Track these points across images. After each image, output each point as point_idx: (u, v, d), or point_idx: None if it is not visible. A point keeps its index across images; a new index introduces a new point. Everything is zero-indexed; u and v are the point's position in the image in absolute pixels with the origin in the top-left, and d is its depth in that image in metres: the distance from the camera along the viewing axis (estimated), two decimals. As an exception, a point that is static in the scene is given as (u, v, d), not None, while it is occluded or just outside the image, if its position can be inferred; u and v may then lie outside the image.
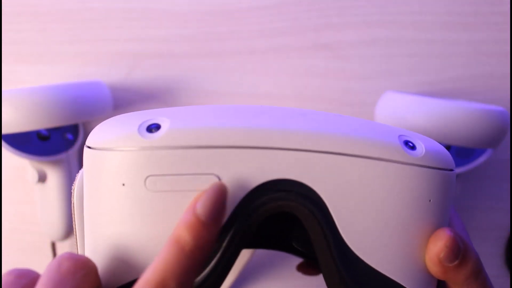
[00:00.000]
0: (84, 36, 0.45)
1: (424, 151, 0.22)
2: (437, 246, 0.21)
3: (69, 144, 0.44)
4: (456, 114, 0.36)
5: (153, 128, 0.21)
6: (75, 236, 0.24)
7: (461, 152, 0.42)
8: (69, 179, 0.44)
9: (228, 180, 0.20)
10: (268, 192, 0.20)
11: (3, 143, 0.41)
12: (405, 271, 0.21)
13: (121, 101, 0.46)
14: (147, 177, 0.20)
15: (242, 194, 0.20)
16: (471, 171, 0.43)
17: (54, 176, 0.43)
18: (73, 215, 0.24)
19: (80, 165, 0.46)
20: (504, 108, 0.40)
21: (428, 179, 0.21)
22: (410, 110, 0.37)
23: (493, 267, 0.45)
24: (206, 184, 0.20)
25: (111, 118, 0.23)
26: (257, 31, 0.45)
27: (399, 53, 0.44)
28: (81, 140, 0.45)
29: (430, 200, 0.21)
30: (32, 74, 0.46)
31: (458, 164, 0.41)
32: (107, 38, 0.45)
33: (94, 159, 0.21)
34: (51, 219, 0.44)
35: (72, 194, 0.23)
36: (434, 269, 0.21)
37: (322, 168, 0.20)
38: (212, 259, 0.20)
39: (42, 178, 0.43)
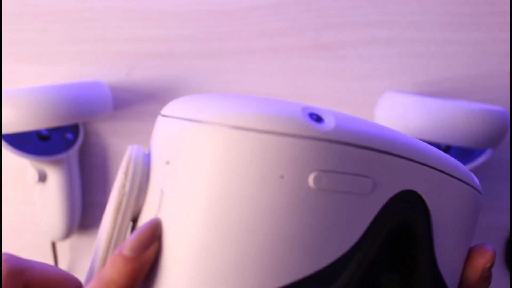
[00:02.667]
0: (84, 36, 0.45)
1: None
2: (485, 258, 0.23)
3: (69, 144, 0.44)
4: (456, 114, 0.36)
5: (315, 118, 0.18)
6: (109, 234, 0.20)
7: (461, 152, 0.42)
8: (69, 179, 0.44)
9: (378, 185, 0.19)
10: (400, 202, 0.19)
11: (3, 143, 0.41)
12: (456, 283, 0.23)
13: (121, 101, 0.46)
14: (313, 171, 0.17)
15: (382, 202, 0.19)
16: (471, 171, 0.43)
17: (54, 176, 0.43)
18: (119, 207, 0.20)
19: (80, 165, 0.46)
20: (504, 108, 0.40)
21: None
22: (410, 110, 0.37)
23: (494, 267, 0.45)
24: (364, 188, 0.18)
25: (217, 93, 0.20)
26: (257, 31, 0.45)
27: (399, 53, 0.44)
28: (81, 140, 0.45)
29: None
30: (32, 74, 0.46)
31: (458, 164, 0.41)
32: (107, 38, 0.45)
33: (233, 142, 0.17)
34: (51, 219, 0.44)
35: (125, 180, 0.20)
36: (473, 279, 0.23)
37: (435, 184, 0.20)
38: (342, 271, 0.18)
39: (42, 178, 0.43)
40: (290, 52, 0.45)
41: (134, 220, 0.21)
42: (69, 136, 0.44)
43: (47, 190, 0.43)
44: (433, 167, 0.20)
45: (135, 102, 0.46)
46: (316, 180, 0.17)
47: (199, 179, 0.18)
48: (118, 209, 0.20)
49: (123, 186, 0.20)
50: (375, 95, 0.44)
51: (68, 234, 0.44)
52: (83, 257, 0.47)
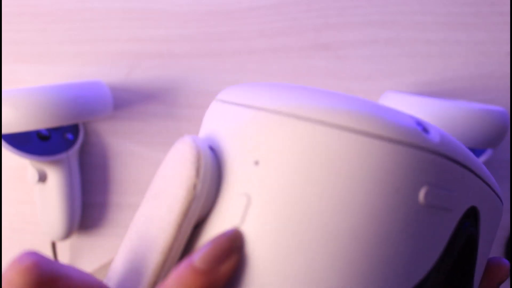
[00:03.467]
0: (84, 36, 0.45)
1: None
2: (501, 273, 0.22)
3: (69, 144, 0.44)
4: (456, 114, 0.36)
5: (422, 128, 0.17)
6: (170, 244, 0.17)
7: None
8: (69, 179, 0.44)
9: (459, 200, 0.17)
10: (467, 218, 0.18)
11: (3, 143, 0.41)
12: None
13: (121, 101, 0.46)
14: (424, 185, 0.16)
15: (458, 218, 0.18)
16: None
17: (54, 176, 0.43)
18: (186, 212, 0.16)
19: (80, 165, 0.46)
20: (504, 108, 0.40)
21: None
22: (410, 110, 0.37)
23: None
24: (452, 204, 0.17)
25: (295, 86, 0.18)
26: (257, 31, 0.45)
27: (399, 53, 0.44)
28: (81, 140, 0.45)
29: None
30: (32, 74, 0.46)
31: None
32: (107, 38, 0.45)
33: (354, 147, 0.15)
34: (51, 219, 0.44)
35: (196, 180, 0.16)
36: None
37: (485, 199, 0.19)
38: None
39: (42, 178, 0.43)
40: (290, 52, 0.45)
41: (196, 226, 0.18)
42: (69, 136, 0.44)
43: (47, 190, 0.43)
44: (487, 183, 0.19)
45: (135, 102, 0.46)
46: (426, 195, 0.16)
47: (313, 187, 0.15)
48: (185, 214, 0.16)
49: (194, 186, 0.16)
50: (375, 95, 0.44)
51: (68, 234, 0.44)
52: (83, 257, 0.47)
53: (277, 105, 0.16)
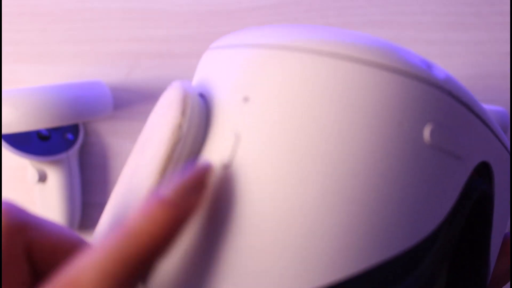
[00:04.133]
0: (84, 36, 0.45)
1: None
2: None
3: (69, 144, 0.44)
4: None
5: (427, 64, 0.15)
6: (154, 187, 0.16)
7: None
8: (69, 179, 0.44)
9: (469, 150, 0.16)
10: (479, 173, 0.17)
11: (3, 143, 0.41)
12: (491, 270, 0.20)
13: (121, 101, 0.46)
14: (430, 122, 0.15)
15: (469, 170, 0.16)
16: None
17: (54, 176, 0.43)
18: (171, 154, 0.15)
19: (80, 165, 0.46)
20: (504, 108, 0.40)
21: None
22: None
23: (493, 267, 0.45)
24: (462, 150, 0.16)
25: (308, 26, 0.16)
26: (257, 31, 0.45)
27: (399, 53, 0.44)
28: (81, 140, 0.45)
29: None
30: (32, 74, 0.46)
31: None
32: (107, 38, 0.45)
33: (352, 76, 0.14)
34: (51, 219, 0.44)
35: (182, 119, 0.15)
36: (504, 267, 0.22)
37: (499, 159, 0.18)
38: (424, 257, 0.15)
39: (42, 178, 0.43)
40: (290, 52, 0.45)
41: None
42: (69, 136, 0.44)
43: (47, 190, 0.43)
44: (501, 141, 0.18)
45: (135, 102, 0.46)
46: (432, 133, 0.15)
47: (300, 122, 0.14)
48: (169, 156, 0.15)
49: (180, 126, 0.15)
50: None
51: (68, 234, 0.44)
52: (83, 257, 0.47)
53: (264, 40, 0.15)
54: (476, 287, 0.18)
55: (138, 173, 0.16)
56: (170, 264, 0.16)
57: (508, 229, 0.22)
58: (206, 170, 0.15)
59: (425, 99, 0.14)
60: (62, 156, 0.43)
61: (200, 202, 0.14)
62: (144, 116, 0.46)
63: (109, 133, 0.46)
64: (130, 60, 0.45)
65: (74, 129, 0.45)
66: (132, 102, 0.46)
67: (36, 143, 0.42)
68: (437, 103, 0.15)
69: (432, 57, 0.44)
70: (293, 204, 0.14)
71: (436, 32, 0.44)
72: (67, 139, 0.44)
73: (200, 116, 0.15)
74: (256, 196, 0.14)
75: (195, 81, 0.19)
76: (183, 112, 0.15)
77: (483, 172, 0.17)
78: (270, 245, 0.14)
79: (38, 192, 0.44)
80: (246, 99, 0.15)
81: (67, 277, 0.13)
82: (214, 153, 0.16)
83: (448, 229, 0.15)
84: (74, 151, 0.44)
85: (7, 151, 0.42)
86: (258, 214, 0.14)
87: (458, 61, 0.44)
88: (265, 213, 0.14)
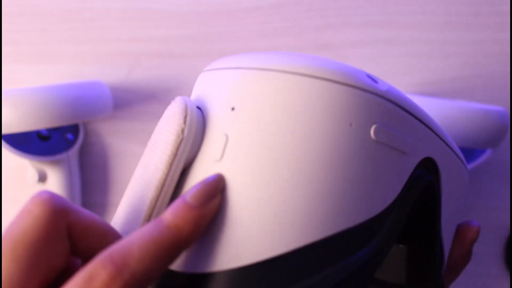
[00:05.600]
0: (84, 36, 0.45)
1: None
2: (472, 232, 0.26)
3: (69, 144, 0.44)
4: (456, 114, 0.36)
5: (372, 79, 0.20)
6: (162, 181, 0.20)
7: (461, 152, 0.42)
8: (69, 179, 0.44)
9: (413, 147, 0.20)
10: (424, 167, 0.21)
11: (3, 143, 0.41)
12: (447, 256, 0.25)
13: (121, 101, 0.46)
14: (374, 123, 0.19)
15: (415, 163, 0.20)
16: (471, 171, 0.43)
17: (54, 176, 0.43)
18: (176, 152, 0.19)
19: (80, 165, 0.46)
20: (504, 108, 0.40)
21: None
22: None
23: (493, 267, 0.45)
24: (405, 147, 0.20)
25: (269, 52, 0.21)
26: (257, 31, 0.45)
27: (399, 53, 0.44)
28: (81, 140, 0.45)
29: None
30: (32, 74, 0.46)
31: (458, 164, 0.41)
32: (107, 38, 0.45)
33: (309, 89, 0.19)
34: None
35: (184, 125, 0.19)
36: (460, 252, 0.26)
37: (445, 157, 0.22)
38: (373, 236, 0.19)
39: (42, 178, 0.43)
40: (290, 52, 0.45)
41: (184, 169, 0.21)
42: (69, 136, 0.44)
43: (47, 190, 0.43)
44: (445, 142, 0.23)
45: (135, 102, 0.46)
46: (376, 131, 0.19)
47: (273, 124, 0.19)
48: (175, 154, 0.19)
49: (182, 130, 0.19)
50: (375, 95, 0.44)
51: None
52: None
53: (246, 63, 0.20)
54: (432, 266, 0.23)
55: (149, 169, 0.21)
56: None
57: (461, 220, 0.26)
58: (220, 180, 0.19)
59: (370, 105, 0.19)
60: (62, 156, 0.43)
61: (217, 205, 0.19)
62: (144, 116, 0.46)
63: (109, 133, 0.46)
64: (130, 60, 0.45)
65: (74, 129, 0.45)
66: (132, 102, 0.46)
67: (36, 143, 0.42)
68: (380, 108, 0.19)
69: (432, 57, 0.44)
70: (269, 187, 0.18)
71: (436, 32, 0.44)
72: (67, 139, 0.44)
73: (197, 123, 0.20)
74: (240, 180, 0.19)
75: (193, 96, 0.23)
76: (185, 120, 0.20)
77: (429, 165, 0.22)
78: (251, 217, 0.18)
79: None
80: (233, 109, 0.20)
81: (118, 253, 0.17)
82: (209, 151, 0.20)
83: (397, 210, 0.20)
84: (74, 151, 0.44)
85: (7, 151, 0.42)
86: (242, 193, 0.19)
87: (458, 61, 0.44)
88: (247, 192, 0.18)
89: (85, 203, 0.46)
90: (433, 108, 0.37)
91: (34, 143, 0.42)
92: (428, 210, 0.22)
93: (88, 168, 0.46)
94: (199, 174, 0.20)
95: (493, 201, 0.45)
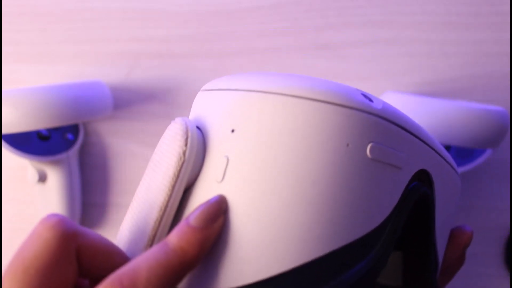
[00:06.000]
0: (84, 36, 0.45)
1: None
2: (465, 236, 0.26)
3: (69, 144, 0.44)
4: (456, 114, 0.36)
5: (367, 98, 0.20)
6: (165, 202, 0.20)
7: (461, 152, 0.42)
8: (69, 179, 0.44)
9: (407, 162, 0.21)
10: (418, 179, 0.22)
11: (3, 143, 0.41)
12: (441, 261, 0.25)
13: (121, 101, 0.46)
14: (370, 142, 0.19)
15: (409, 177, 0.21)
16: (471, 171, 0.43)
17: (54, 176, 0.43)
18: (178, 174, 0.20)
19: (80, 165, 0.46)
20: (504, 108, 0.40)
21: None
22: (410, 110, 0.37)
23: (493, 267, 0.45)
24: (400, 162, 0.20)
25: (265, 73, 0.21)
26: (257, 31, 0.45)
27: (399, 53, 0.44)
28: (81, 140, 0.45)
29: None
30: (32, 74, 0.46)
31: (458, 164, 0.41)
32: (107, 38, 0.45)
33: (307, 111, 0.19)
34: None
35: (185, 148, 0.20)
36: (454, 256, 0.26)
37: (438, 167, 0.23)
38: (372, 247, 0.20)
39: (42, 178, 0.43)
40: (290, 52, 0.45)
41: (186, 190, 0.21)
42: (69, 136, 0.44)
43: (47, 190, 0.43)
44: (438, 153, 0.23)
45: (135, 102, 0.46)
46: (372, 150, 0.19)
47: (273, 146, 0.19)
48: (177, 176, 0.20)
49: (184, 153, 0.20)
50: (375, 95, 0.44)
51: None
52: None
53: (245, 85, 0.21)
54: (427, 270, 0.24)
55: (151, 189, 0.21)
56: None
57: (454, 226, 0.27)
58: (222, 201, 0.19)
59: (365, 125, 0.19)
60: (62, 156, 0.43)
61: (221, 226, 0.19)
62: (144, 116, 0.46)
63: (109, 133, 0.46)
64: (130, 60, 0.45)
65: (74, 129, 0.45)
66: (132, 102, 0.46)
67: (36, 143, 0.42)
68: (375, 127, 0.20)
69: (432, 57, 0.44)
70: (269, 207, 0.19)
71: (436, 32, 0.44)
72: (67, 139, 0.44)
73: (198, 145, 0.20)
74: (241, 200, 0.19)
75: (192, 116, 0.23)
76: (186, 142, 0.20)
77: (423, 177, 0.22)
78: (252, 237, 0.19)
79: (38, 192, 0.44)
80: (233, 131, 0.20)
81: (127, 276, 0.17)
82: (210, 172, 0.20)
83: (393, 222, 0.20)
84: (74, 151, 0.44)
85: (7, 151, 0.42)
86: (243, 213, 0.19)
87: (458, 61, 0.44)
88: (248, 213, 0.19)
89: (85, 203, 0.46)
90: (433, 108, 0.37)
91: (34, 143, 0.42)
92: (423, 219, 0.23)
93: (88, 168, 0.46)
94: (201, 195, 0.20)
95: (493, 201, 0.45)
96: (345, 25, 0.44)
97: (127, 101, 0.46)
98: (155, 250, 0.18)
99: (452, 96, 0.44)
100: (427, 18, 0.44)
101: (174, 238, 0.19)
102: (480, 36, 0.44)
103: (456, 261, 0.26)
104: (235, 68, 0.45)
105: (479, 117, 0.36)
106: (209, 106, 0.22)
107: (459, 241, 0.26)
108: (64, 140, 0.44)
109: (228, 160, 0.20)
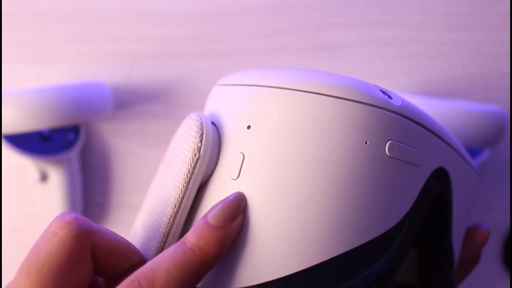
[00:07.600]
0: (85, 36, 0.45)
1: None
2: (482, 235, 0.26)
3: (70, 144, 0.44)
4: (455, 114, 0.36)
5: (386, 94, 0.20)
6: (179, 199, 0.20)
7: (460, 152, 0.42)
8: (70, 179, 0.44)
9: (425, 159, 0.21)
10: (436, 177, 0.22)
11: (4, 142, 0.41)
12: (456, 258, 0.25)
13: (122, 101, 0.46)
14: (389, 140, 0.19)
15: (427, 174, 0.21)
16: (470, 171, 0.43)
17: (55, 176, 0.43)
18: (193, 170, 0.19)
19: (82, 165, 0.46)
20: (504, 108, 0.41)
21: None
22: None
23: (493, 267, 0.46)
24: (417, 159, 0.20)
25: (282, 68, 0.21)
26: (257, 31, 0.45)
27: (399, 53, 0.45)
28: (83, 140, 0.45)
29: None
30: (33, 74, 0.46)
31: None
32: (107, 38, 0.45)
33: (320, 107, 0.19)
34: (52, 219, 0.44)
35: (200, 144, 0.19)
36: (470, 254, 0.26)
37: (456, 165, 0.23)
38: (393, 242, 0.19)
39: (43, 178, 0.43)
40: (290, 52, 0.45)
41: (200, 186, 0.21)
42: (70, 136, 0.44)
43: (48, 190, 0.43)
44: (456, 150, 0.23)
45: (136, 102, 0.46)
46: (390, 147, 0.19)
47: (290, 142, 0.19)
48: (191, 173, 0.20)
49: (198, 149, 0.19)
50: (375, 95, 0.44)
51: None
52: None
53: (262, 80, 0.20)
54: (442, 268, 0.24)
55: (166, 185, 0.21)
56: None
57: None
58: (241, 199, 0.19)
59: (384, 123, 0.19)
60: (63, 156, 0.43)
61: (240, 225, 0.19)
62: (144, 116, 0.46)
63: (110, 133, 0.46)
64: (131, 60, 0.45)
65: (75, 129, 0.45)
66: (132, 102, 0.46)
67: (37, 143, 0.42)
68: (394, 124, 0.19)
69: (432, 57, 0.44)
70: (286, 204, 0.18)
71: (436, 32, 0.44)
72: (68, 139, 0.44)
73: (213, 141, 0.20)
74: (258, 198, 0.19)
75: (206, 111, 0.23)
76: (201, 138, 0.20)
77: (441, 175, 0.22)
78: (269, 236, 0.18)
79: (39, 192, 0.44)
80: (248, 127, 0.20)
81: (145, 277, 0.17)
82: (226, 169, 0.20)
83: (411, 220, 0.20)
84: (75, 151, 0.44)
85: (7, 151, 0.42)
86: (259, 211, 0.19)
87: (458, 61, 0.44)
88: (265, 210, 0.18)
89: (86, 203, 0.46)
90: (433, 108, 0.37)
91: (35, 143, 0.42)
92: (440, 217, 0.23)
93: (89, 168, 0.46)
94: (216, 192, 0.20)
95: (493, 201, 0.45)
96: (345, 25, 0.44)
97: (128, 101, 0.46)
98: (173, 250, 0.18)
99: (452, 96, 0.44)
100: (427, 18, 0.44)
101: (193, 237, 0.18)
102: (480, 36, 0.44)
103: (472, 259, 0.26)
104: (235, 68, 0.45)
105: (478, 117, 0.36)
106: (225, 102, 0.21)
107: (475, 239, 0.26)
108: (65, 140, 0.44)
109: (244, 157, 0.19)
